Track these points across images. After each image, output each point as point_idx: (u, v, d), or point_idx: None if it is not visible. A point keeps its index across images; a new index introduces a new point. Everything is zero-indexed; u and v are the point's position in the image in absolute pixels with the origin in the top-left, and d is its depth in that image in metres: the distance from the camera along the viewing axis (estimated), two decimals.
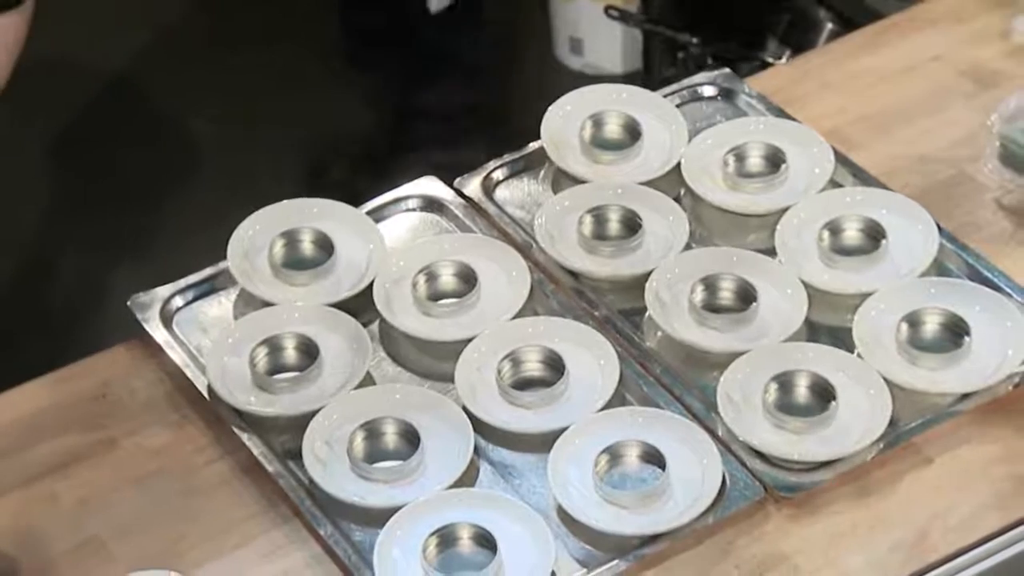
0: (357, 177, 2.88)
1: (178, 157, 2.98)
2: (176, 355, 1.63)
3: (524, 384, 1.61)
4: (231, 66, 3.17)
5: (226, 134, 3.03)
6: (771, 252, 1.71)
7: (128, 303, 1.68)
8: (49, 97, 3.09)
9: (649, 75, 3.00)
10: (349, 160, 3.02)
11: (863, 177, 1.78)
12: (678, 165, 1.80)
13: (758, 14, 2.93)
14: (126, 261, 2.67)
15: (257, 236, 1.73)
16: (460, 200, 1.79)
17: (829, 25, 2.82)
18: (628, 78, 3.07)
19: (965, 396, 1.57)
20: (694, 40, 2.90)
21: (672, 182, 1.80)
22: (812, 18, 2.88)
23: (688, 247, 1.73)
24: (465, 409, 1.58)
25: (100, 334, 1.68)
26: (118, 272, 2.55)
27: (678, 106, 1.89)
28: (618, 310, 1.69)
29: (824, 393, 1.56)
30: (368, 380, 1.62)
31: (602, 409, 1.58)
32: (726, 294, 1.68)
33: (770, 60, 2.71)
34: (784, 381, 1.57)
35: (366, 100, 3.16)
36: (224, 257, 1.70)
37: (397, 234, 1.78)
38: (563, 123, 1.86)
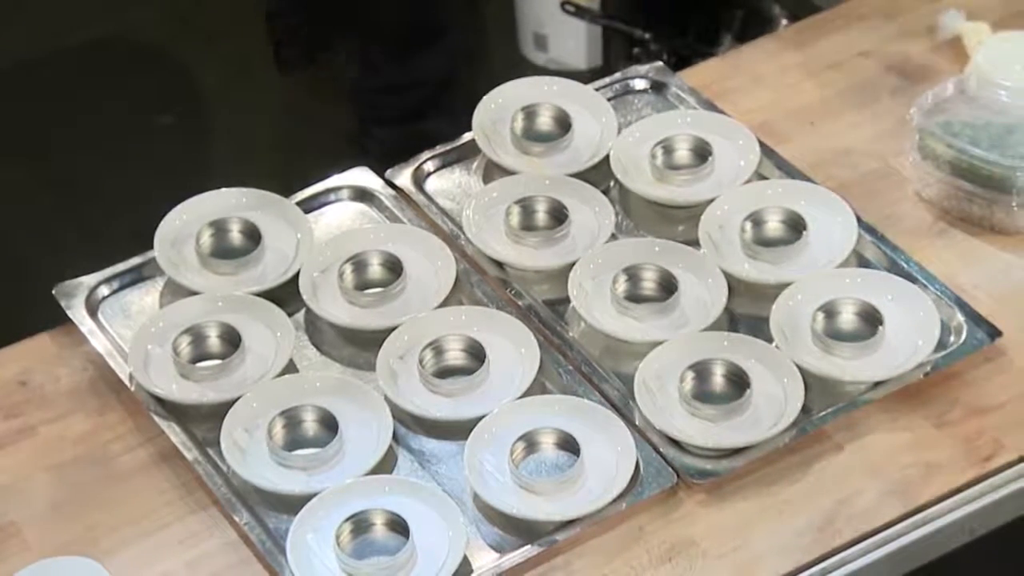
0: (307, 169, 2.91)
1: (118, 148, 3.00)
2: (100, 343, 1.65)
3: (446, 372, 1.63)
4: (189, 57, 3.20)
5: (177, 126, 3.06)
6: (697, 243, 1.73)
7: (53, 291, 1.69)
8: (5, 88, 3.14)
9: (608, 71, 3.02)
10: (301, 154, 3.04)
11: (788, 170, 1.80)
12: (607, 157, 1.83)
13: (713, 10, 2.95)
14: (56, 247, 2.70)
15: (185, 225, 1.75)
16: (390, 191, 1.82)
17: (784, 21, 2.84)
18: (592, 74, 3.09)
19: (877, 384, 1.59)
20: (647, 36, 2.93)
21: (602, 174, 1.82)
22: (766, 14, 2.90)
23: (615, 238, 1.75)
24: (386, 397, 1.60)
25: (25, 321, 1.69)
26: (48, 259, 2.58)
27: (611, 99, 1.91)
28: (543, 300, 1.71)
29: (739, 381, 1.58)
30: (292, 369, 1.64)
31: (521, 397, 1.60)
32: (648, 284, 1.70)
33: None
34: (700, 370, 1.59)
35: (325, 94, 3.18)
36: (152, 246, 1.73)
37: (327, 224, 1.80)
38: (495, 115, 1.88)
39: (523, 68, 3.17)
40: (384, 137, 2.87)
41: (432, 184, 1.84)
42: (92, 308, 1.69)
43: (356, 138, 2.95)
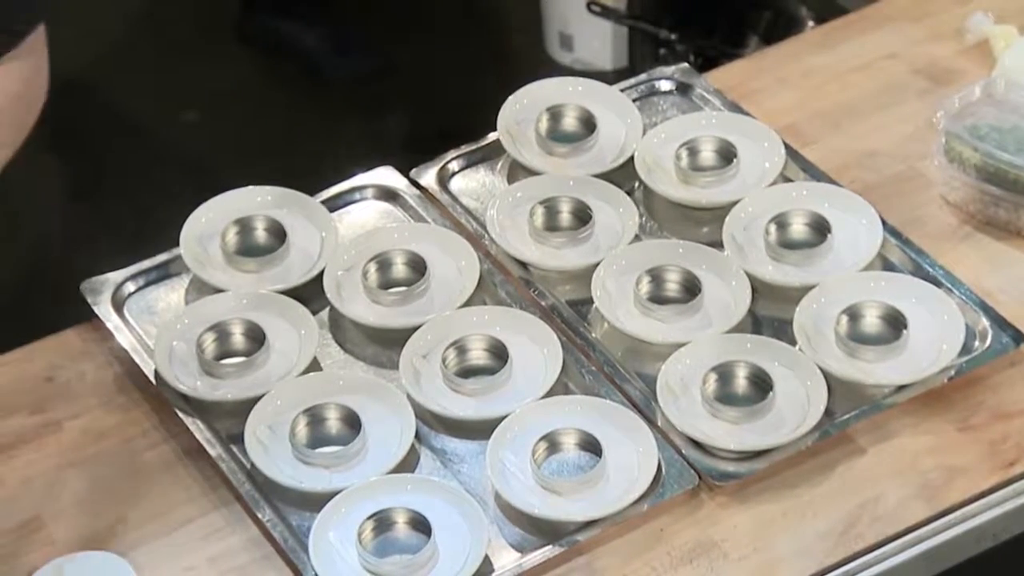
0: (332, 168, 2.92)
1: (143, 144, 3.01)
2: (125, 339, 1.66)
3: (468, 372, 1.63)
4: (215, 62, 3.21)
5: (202, 123, 3.07)
6: (721, 245, 1.73)
7: (80, 287, 1.70)
8: None
9: (634, 71, 3.02)
10: (326, 156, 3.06)
11: (813, 172, 1.80)
12: (632, 158, 1.83)
13: (739, 11, 2.95)
14: (81, 244, 2.70)
15: (211, 223, 1.75)
16: (415, 190, 1.82)
17: (810, 23, 2.84)
18: (617, 74, 3.09)
19: (901, 388, 1.59)
20: (674, 36, 2.93)
21: (626, 175, 1.82)
22: (793, 15, 2.89)
23: (638, 239, 1.75)
24: (409, 396, 1.60)
25: (52, 317, 1.70)
26: (73, 255, 2.58)
27: (636, 100, 1.91)
28: (566, 300, 1.71)
29: (762, 384, 1.58)
30: (315, 367, 1.65)
31: (543, 397, 1.60)
32: (672, 285, 1.70)
33: None
34: (723, 372, 1.59)
35: (352, 93, 3.19)
36: (178, 243, 1.73)
37: (352, 223, 1.80)
38: (520, 115, 1.88)
39: (549, 68, 3.17)
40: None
41: (456, 184, 1.84)
42: (118, 304, 1.70)
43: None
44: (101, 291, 1.70)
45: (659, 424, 1.57)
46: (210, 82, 3.17)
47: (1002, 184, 1.73)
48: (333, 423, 1.58)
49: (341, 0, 3.30)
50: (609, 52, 3.18)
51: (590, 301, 1.69)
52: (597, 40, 3.17)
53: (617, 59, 3.18)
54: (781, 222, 1.73)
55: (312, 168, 2.97)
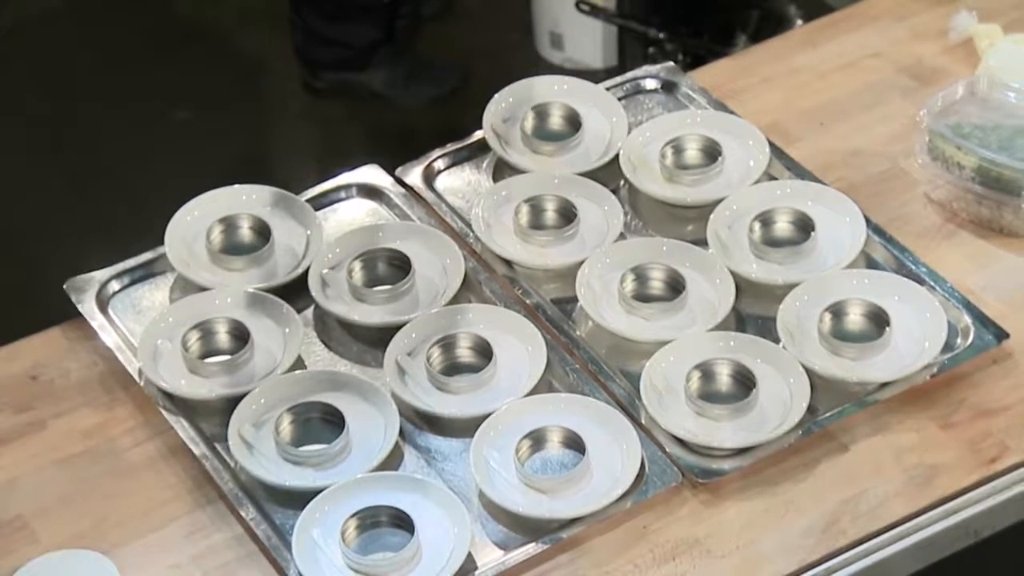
0: (321, 170, 2.93)
1: (134, 143, 3.02)
2: (110, 338, 1.66)
3: (453, 370, 1.64)
4: (206, 52, 3.22)
5: (197, 125, 3.07)
6: (706, 243, 1.74)
7: (65, 285, 1.70)
8: (23, 81, 3.16)
9: (624, 70, 3.02)
10: (315, 155, 3.06)
11: (797, 170, 1.81)
12: (617, 156, 1.83)
13: (728, 10, 2.95)
14: (71, 241, 2.71)
15: (196, 221, 1.76)
16: (400, 188, 1.82)
17: (799, 22, 2.84)
18: (607, 73, 3.10)
19: (884, 385, 1.59)
20: (662, 36, 2.93)
21: (611, 173, 1.82)
22: (781, 14, 2.90)
23: (623, 237, 1.76)
24: (393, 394, 1.60)
25: (40, 315, 1.70)
26: (62, 253, 2.59)
27: (621, 99, 1.91)
28: (551, 299, 1.71)
29: (745, 381, 1.59)
30: (300, 365, 1.65)
31: (528, 395, 1.60)
32: (656, 283, 1.70)
33: None
34: (706, 370, 1.60)
35: (343, 91, 3.19)
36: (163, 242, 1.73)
37: (337, 221, 1.80)
38: (505, 113, 1.88)
39: (539, 67, 3.18)
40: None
41: (442, 182, 1.84)
42: (103, 303, 1.70)
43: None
44: (85, 289, 1.70)
45: (643, 422, 1.58)
46: (202, 82, 3.17)
47: (985, 182, 1.73)
48: (317, 421, 1.58)
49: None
50: (599, 51, 3.18)
51: (575, 299, 1.69)
52: (587, 39, 3.18)
53: (607, 58, 3.18)
54: (765, 220, 1.73)
55: (301, 166, 3.00)
